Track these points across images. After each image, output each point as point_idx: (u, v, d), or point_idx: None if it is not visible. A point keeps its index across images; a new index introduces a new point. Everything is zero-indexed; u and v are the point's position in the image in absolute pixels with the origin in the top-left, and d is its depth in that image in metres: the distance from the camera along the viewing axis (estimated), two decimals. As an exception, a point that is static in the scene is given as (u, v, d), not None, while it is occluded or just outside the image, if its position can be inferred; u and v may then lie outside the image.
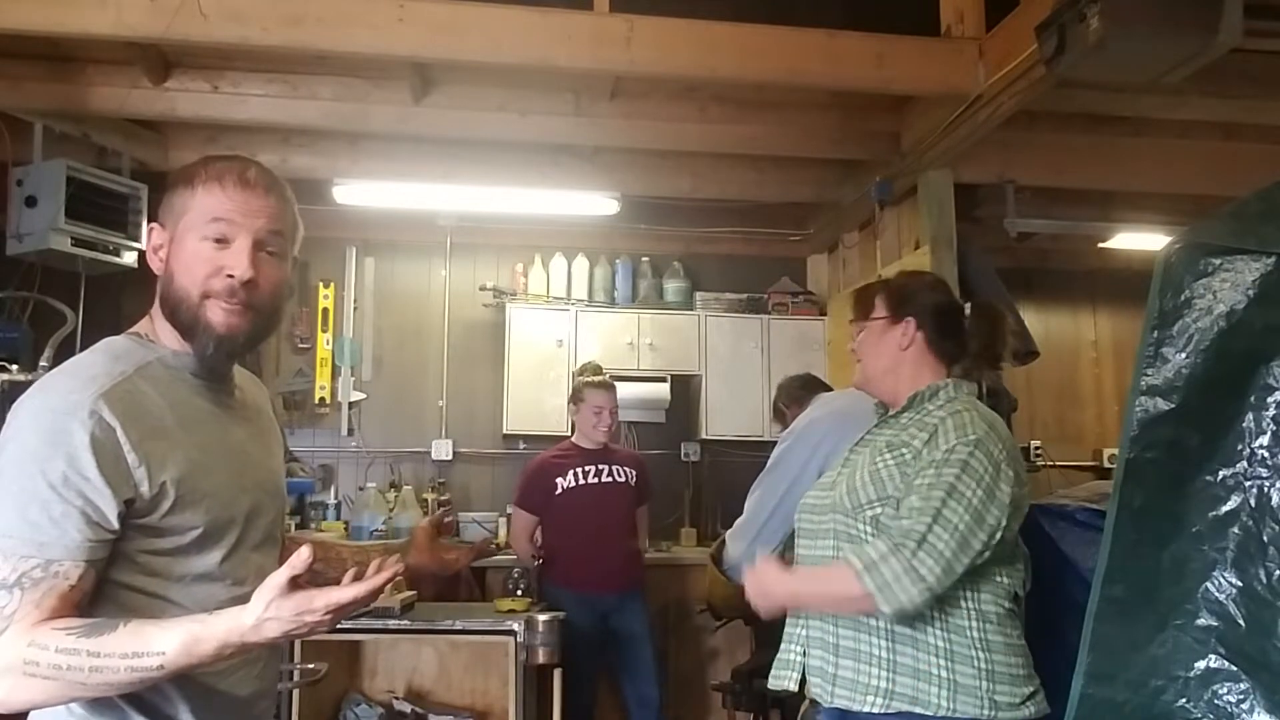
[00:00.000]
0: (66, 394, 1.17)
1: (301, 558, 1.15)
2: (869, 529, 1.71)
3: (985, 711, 1.62)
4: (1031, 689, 1.67)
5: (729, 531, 2.94)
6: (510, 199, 4.59)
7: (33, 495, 1.12)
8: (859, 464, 1.81)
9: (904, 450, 1.74)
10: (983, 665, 1.64)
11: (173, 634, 1.13)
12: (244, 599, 1.24)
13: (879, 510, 1.71)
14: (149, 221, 1.34)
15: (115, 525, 1.15)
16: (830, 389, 3.33)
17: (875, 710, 1.65)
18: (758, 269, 5.50)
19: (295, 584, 1.15)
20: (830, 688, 1.72)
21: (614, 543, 3.80)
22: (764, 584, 1.75)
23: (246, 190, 1.29)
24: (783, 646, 1.84)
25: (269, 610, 1.12)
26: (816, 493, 1.90)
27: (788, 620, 1.85)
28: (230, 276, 1.26)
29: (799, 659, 1.80)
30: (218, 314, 1.27)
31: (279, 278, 1.33)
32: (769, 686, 1.85)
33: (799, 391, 3.31)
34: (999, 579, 1.69)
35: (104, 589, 1.18)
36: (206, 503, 1.24)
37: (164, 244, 1.31)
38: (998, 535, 1.64)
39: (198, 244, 1.28)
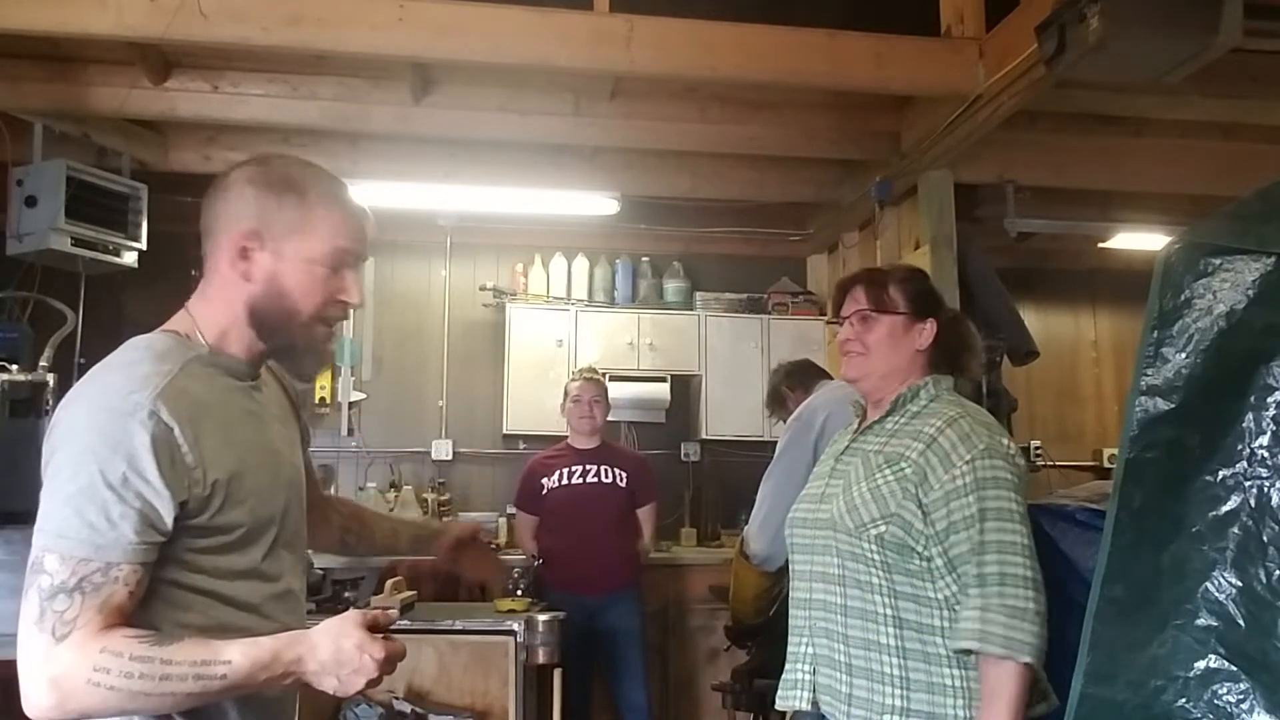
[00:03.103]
0: (126, 394, 1.14)
1: (389, 616, 1.24)
2: (874, 547, 1.67)
3: None
4: (1043, 686, 1.66)
5: (748, 529, 2.95)
6: (510, 199, 4.59)
7: (90, 496, 1.10)
8: (853, 478, 1.76)
9: (903, 465, 1.69)
10: None
11: (237, 647, 1.13)
12: (279, 596, 1.29)
13: (883, 529, 1.67)
14: (251, 227, 1.28)
15: (170, 528, 1.14)
16: (830, 377, 3.34)
17: None
18: (758, 269, 5.50)
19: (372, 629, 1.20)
20: (846, 707, 1.69)
21: (600, 543, 3.79)
22: None
23: (362, 214, 1.32)
24: (788, 665, 1.81)
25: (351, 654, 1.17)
26: (807, 505, 1.86)
27: (791, 639, 1.82)
28: (345, 303, 1.31)
29: (808, 677, 1.76)
30: (328, 341, 1.32)
31: None
32: (777, 707, 1.82)
33: (803, 377, 3.32)
34: None
35: (152, 589, 1.16)
36: (250, 502, 1.24)
37: (257, 249, 1.26)
38: None
39: (314, 268, 1.28)
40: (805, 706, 1.76)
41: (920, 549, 1.65)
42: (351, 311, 1.33)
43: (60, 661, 1.07)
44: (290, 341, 1.31)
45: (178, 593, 1.18)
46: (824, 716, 1.75)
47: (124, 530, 1.10)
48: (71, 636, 1.07)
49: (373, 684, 1.19)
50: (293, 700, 1.38)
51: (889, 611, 1.66)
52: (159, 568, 1.16)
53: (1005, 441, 1.70)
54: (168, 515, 1.13)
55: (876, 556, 1.68)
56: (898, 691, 1.64)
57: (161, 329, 1.30)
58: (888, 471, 1.71)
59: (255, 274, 1.27)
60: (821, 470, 1.90)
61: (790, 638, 1.82)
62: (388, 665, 1.20)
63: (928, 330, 1.83)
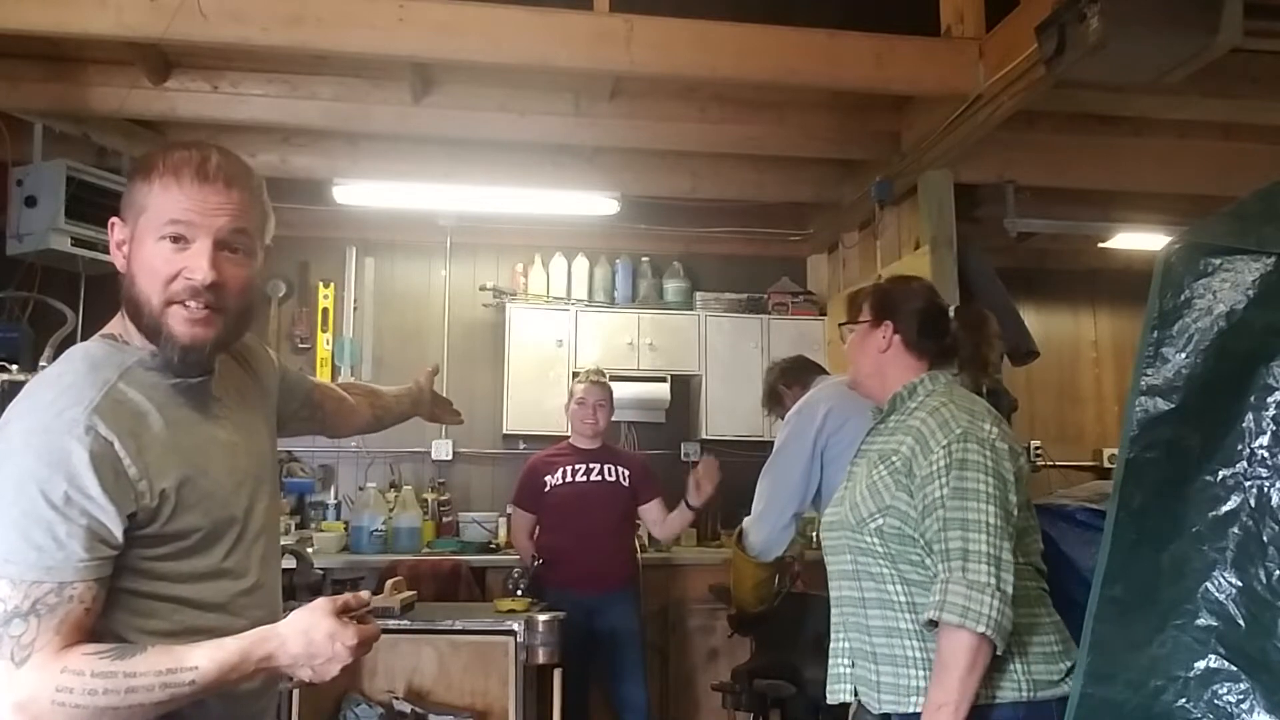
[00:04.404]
0: (59, 411, 1.13)
1: (360, 598, 1.23)
2: (876, 540, 1.76)
3: (1025, 693, 1.65)
4: (1069, 664, 1.68)
5: (746, 521, 2.96)
6: (510, 199, 4.59)
7: (35, 518, 1.08)
8: (858, 478, 1.85)
9: (894, 458, 1.77)
10: (1014, 648, 1.65)
11: (202, 651, 1.13)
12: (247, 592, 1.27)
13: (881, 521, 1.75)
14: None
15: (120, 541, 1.13)
16: (826, 372, 3.33)
17: (920, 710, 1.66)
18: (758, 269, 5.50)
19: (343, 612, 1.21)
20: (876, 694, 1.75)
21: (600, 542, 3.78)
22: None
23: (206, 186, 1.21)
24: (831, 661, 1.88)
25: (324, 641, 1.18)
26: (831, 509, 1.94)
27: (832, 634, 1.89)
28: (190, 279, 1.20)
29: (847, 670, 1.84)
30: (180, 323, 1.21)
31: (245, 278, 1.26)
32: (828, 702, 1.89)
33: (799, 373, 3.31)
34: (1017, 561, 1.68)
35: (112, 599, 1.15)
36: (205, 504, 1.22)
37: (125, 240, 1.25)
38: (1016, 511, 1.68)
39: (156, 244, 1.21)
40: (849, 699, 1.84)
41: (917, 536, 1.72)
42: (275, 298, 1.31)
43: (23, 686, 1.06)
44: (150, 326, 1.22)
45: (139, 601, 1.17)
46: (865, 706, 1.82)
47: (73, 549, 1.09)
48: (31, 659, 1.06)
49: (349, 668, 1.20)
50: (273, 687, 1.38)
51: (903, 598, 1.73)
52: (117, 578, 1.15)
53: (987, 426, 1.74)
54: (116, 529, 1.11)
55: (880, 548, 1.75)
56: (921, 673, 1.69)
57: (99, 334, 1.28)
58: (882, 467, 1.79)
59: (125, 262, 1.25)
60: (843, 476, 2.00)
61: (831, 632, 1.91)
62: (361, 649, 1.20)
63: (885, 332, 1.93)
